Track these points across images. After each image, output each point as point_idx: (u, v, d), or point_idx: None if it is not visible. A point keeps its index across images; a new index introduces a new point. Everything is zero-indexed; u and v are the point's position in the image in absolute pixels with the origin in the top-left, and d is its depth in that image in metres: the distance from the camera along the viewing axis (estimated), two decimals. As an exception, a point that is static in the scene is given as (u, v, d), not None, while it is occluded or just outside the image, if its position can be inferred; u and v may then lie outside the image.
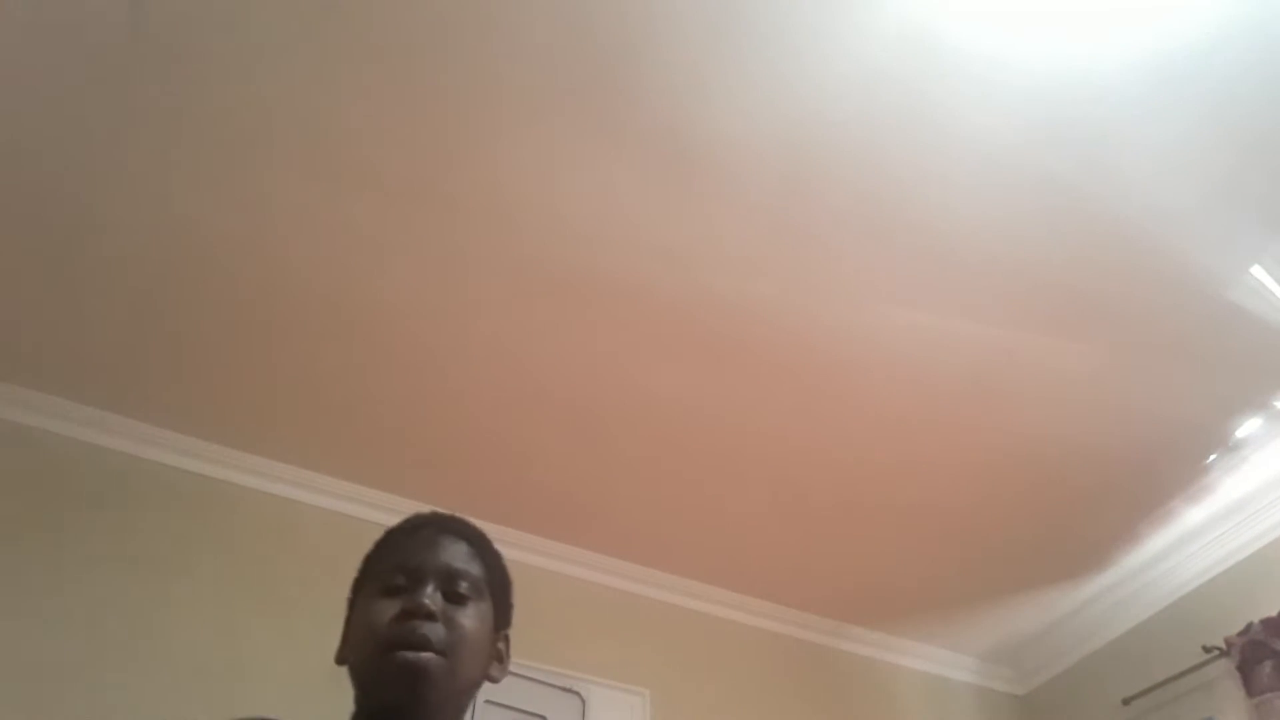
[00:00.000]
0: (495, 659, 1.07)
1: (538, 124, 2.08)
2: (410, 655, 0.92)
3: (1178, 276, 2.40)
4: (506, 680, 3.25)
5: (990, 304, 2.47)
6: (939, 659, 3.79)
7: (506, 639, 1.09)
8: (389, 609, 0.96)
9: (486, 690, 3.15)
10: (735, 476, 2.98)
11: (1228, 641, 2.96)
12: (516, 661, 3.51)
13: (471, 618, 1.00)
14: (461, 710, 1.01)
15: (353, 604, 1.05)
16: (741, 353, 2.59)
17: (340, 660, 1.02)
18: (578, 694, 2.90)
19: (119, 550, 2.51)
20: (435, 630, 0.95)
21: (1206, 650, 3.02)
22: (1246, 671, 2.87)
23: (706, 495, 3.05)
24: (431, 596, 0.97)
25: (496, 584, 1.07)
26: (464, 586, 1.01)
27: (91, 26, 1.87)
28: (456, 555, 1.04)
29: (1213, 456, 2.96)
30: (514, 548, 3.17)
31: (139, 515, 2.61)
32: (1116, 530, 3.23)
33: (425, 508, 3.59)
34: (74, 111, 2.01)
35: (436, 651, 0.94)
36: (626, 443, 2.87)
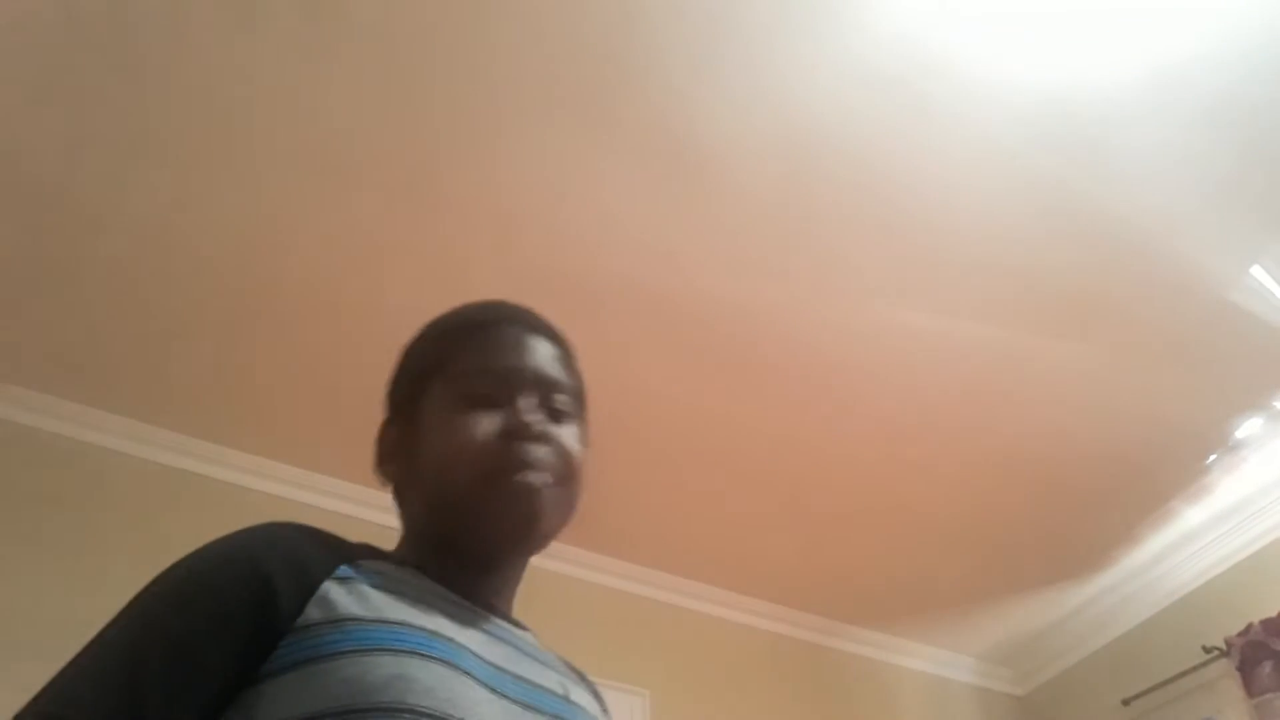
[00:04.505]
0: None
1: (537, 125, 2.08)
2: (531, 478, 0.77)
3: (1178, 277, 2.40)
4: (507, 680, 3.12)
5: (991, 305, 2.48)
6: (939, 659, 3.79)
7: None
8: (483, 424, 0.79)
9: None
10: (735, 477, 2.98)
11: (1228, 642, 2.96)
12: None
13: (574, 438, 0.85)
14: (549, 542, 0.87)
15: (409, 409, 0.85)
16: (741, 353, 2.59)
17: (394, 478, 0.85)
18: (578, 694, 2.89)
19: (116, 549, 2.51)
20: (546, 456, 0.80)
21: (1206, 650, 3.02)
22: (1246, 672, 2.87)
23: (706, 495, 3.05)
24: (537, 412, 0.81)
25: (583, 396, 0.91)
26: (563, 401, 0.85)
27: (88, 25, 1.87)
28: (553, 362, 0.87)
29: (1213, 457, 2.96)
30: (514, 548, 3.19)
31: (138, 515, 2.61)
32: (1116, 530, 3.23)
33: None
34: (71, 111, 2.01)
35: (554, 479, 0.80)
36: (626, 443, 2.86)
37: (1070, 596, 3.51)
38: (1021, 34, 1.93)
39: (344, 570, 0.70)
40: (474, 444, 0.78)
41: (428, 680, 0.64)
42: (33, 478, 2.55)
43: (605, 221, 2.27)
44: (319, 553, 0.71)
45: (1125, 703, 3.26)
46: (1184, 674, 3.10)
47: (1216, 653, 2.99)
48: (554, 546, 3.29)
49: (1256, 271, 2.41)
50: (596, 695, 0.88)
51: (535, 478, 0.78)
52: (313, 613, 0.65)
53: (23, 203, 2.18)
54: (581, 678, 0.89)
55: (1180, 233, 2.31)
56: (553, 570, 3.18)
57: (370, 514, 2.82)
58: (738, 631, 3.44)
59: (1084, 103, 2.05)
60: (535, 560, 3.37)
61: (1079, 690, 3.59)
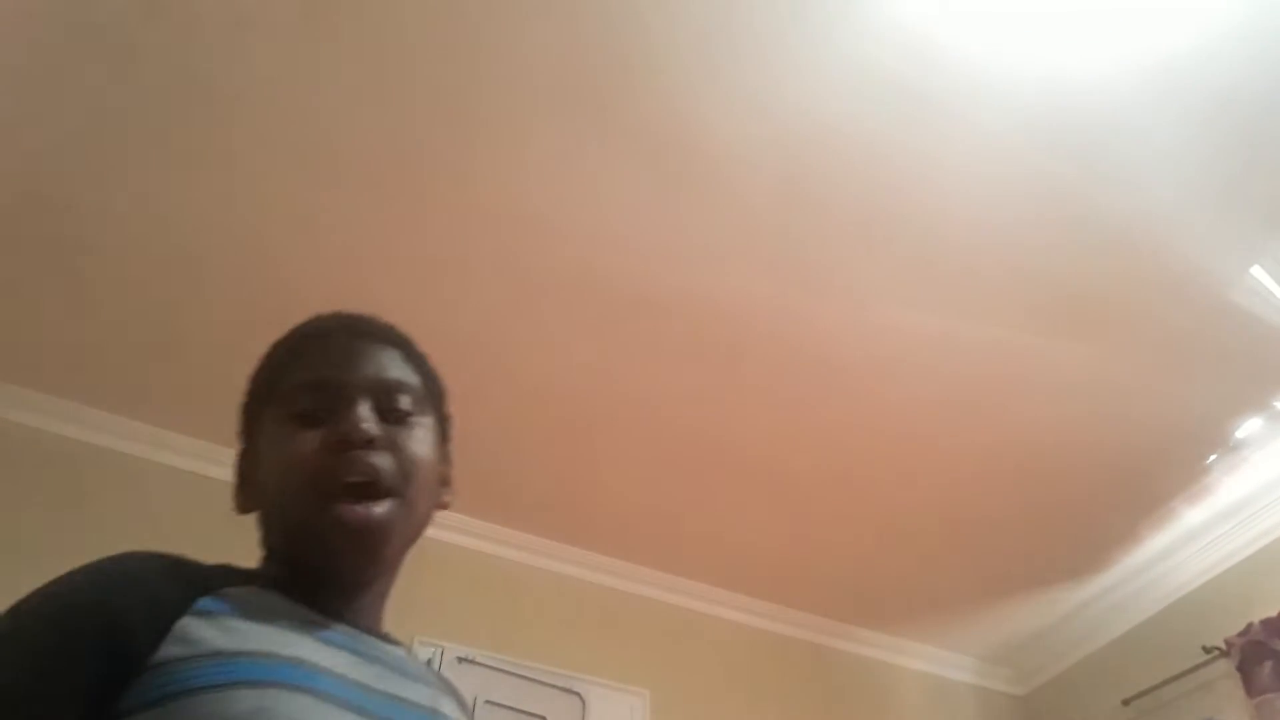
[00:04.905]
0: (444, 483, 0.89)
1: (536, 126, 2.08)
2: (359, 511, 0.75)
3: (1178, 277, 2.40)
4: (506, 680, 3.25)
5: (990, 304, 2.47)
6: (939, 659, 3.79)
7: (449, 456, 0.91)
8: (309, 440, 0.78)
9: (486, 690, 3.14)
10: (734, 476, 2.98)
11: (1228, 642, 2.96)
12: (516, 661, 3.50)
13: (420, 440, 0.83)
14: (407, 550, 0.85)
15: (249, 436, 0.86)
16: (740, 353, 2.59)
17: (243, 509, 0.85)
18: (577, 694, 2.90)
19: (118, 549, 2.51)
20: (383, 461, 0.78)
21: (1207, 651, 3.02)
22: (1246, 672, 2.87)
23: (706, 495, 3.05)
24: (368, 418, 0.79)
25: (436, 392, 0.90)
26: (405, 401, 0.83)
27: (94, 27, 1.87)
28: (388, 364, 0.85)
29: (1213, 457, 2.95)
30: (514, 548, 3.20)
31: (141, 516, 2.61)
32: (1116, 530, 3.22)
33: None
34: (74, 111, 2.01)
35: (387, 491, 0.77)
36: (626, 443, 2.86)
37: (1070, 596, 3.51)
38: (1021, 33, 1.93)
39: (204, 603, 0.69)
40: (299, 461, 0.77)
41: (289, 711, 0.64)
42: (35, 478, 2.55)
43: (605, 222, 2.27)
44: (176, 586, 0.69)
45: (1125, 703, 3.26)
46: (1184, 674, 3.09)
47: (1216, 653, 2.99)
48: (554, 546, 3.28)
49: (1256, 271, 2.41)
50: (464, 707, 0.89)
51: (368, 512, 0.76)
52: (169, 650, 0.64)
53: (26, 203, 2.19)
54: (450, 690, 0.88)
55: (1180, 232, 2.31)
56: (553, 570, 3.19)
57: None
58: (738, 631, 3.44)
59: (1084, 102, 2.04)
60: (535, 560, 3.36)
61: (1079, 690, 3.59)
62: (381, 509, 0.77)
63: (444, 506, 0.88)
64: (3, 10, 1.84)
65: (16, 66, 1.93)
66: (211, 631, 0.67)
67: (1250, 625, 2.90)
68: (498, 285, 2.41)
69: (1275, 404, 2.78)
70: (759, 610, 3.49)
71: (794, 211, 2.26)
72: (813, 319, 2.50)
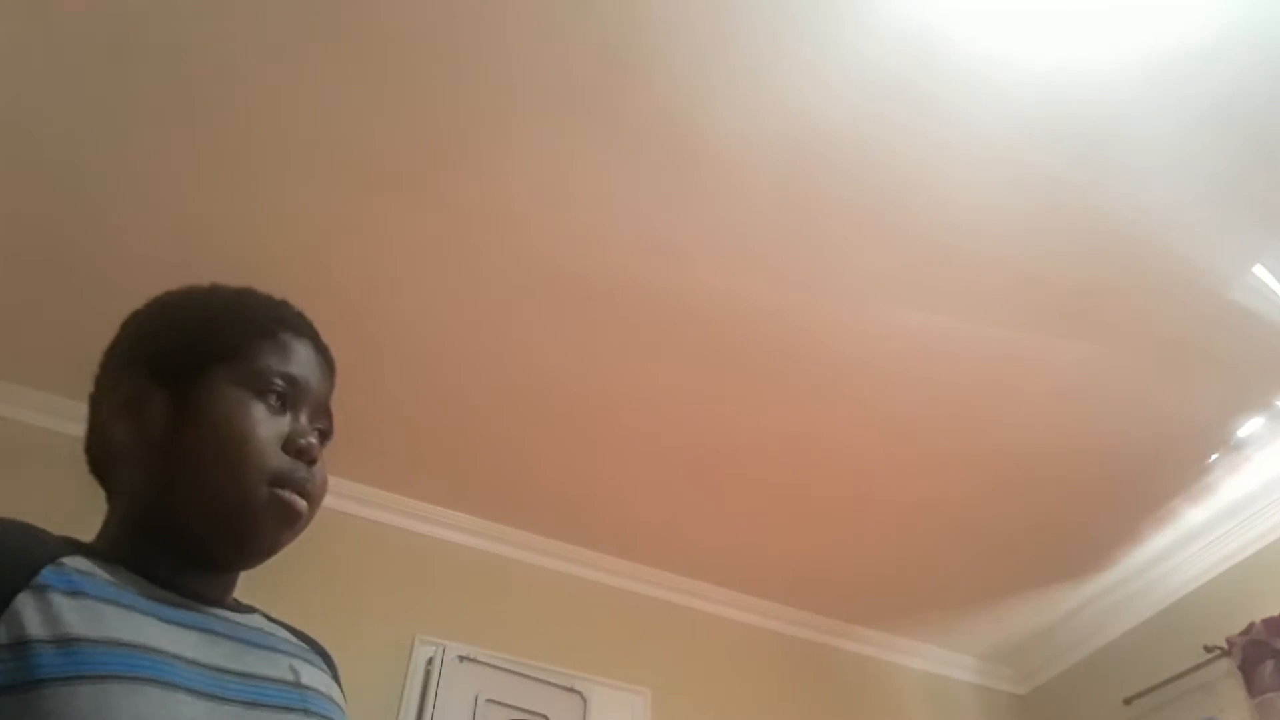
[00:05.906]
0: None
1: (542, 123, 2.08)
2: (297, 501, 0.79)
3: (1178, 276, 2.40)
4: (508, 679, 3.26)
5: (991, 303, 2.47)
6: (939, 659, 3.79)
7: None
8: (272, 425, 0.80)
9: (488, 689, 3.12)
10: (735, 476, 2.98)
11: (1229, 641, 2.96)
12: (517, 660, 3.49)
13: (324, 466, 0.86)
14: None
15: (180, 382, 0.80)
16: (741, 352, 2.59)
17: (125, 447, 0.80)
18: (579, 693, 2.90)
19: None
20: (315, 484, 0.82)
21: (1208, 650, 3.02)
22: (1248, 671, 2.87)
23: (707, 495, 3.05)
24: (313, 435, 0.84)
25: None
26: (326, 428, 0.88)
27: (104, 28, 1.87)
28: (330, 391, 0.89)
29: (1214, 456, 2.95)
30: (515, 547, 3.20)
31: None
32: (1117, 530, 3.22)
33: (427, 508, 3.54)
34: (84, 113, 2.01)
35: (311, 499, 0.81)
36: (627, 442, 2.87)
37: (1071, 596, 3.51)
38: (1022, 31, 1.93)
39: (47, 575, 0.64)
40: (259, 440, 0.78)
41: (135, 707, 0.61)
42: (40, 479, 2.55)
43: (609, 220, 2.27)
44: (19, 553, 0.65)
45: (1127, 702, 3.26)
46: (1185, 673, 3.09)
47: (1218, 652, 2.99)
48: (554, 546, 3.28)
49: (1258, 270, 2.41)
50: (328, 664, 0.88)
51: (296, 501, 0.79)
52: (3, 631, 0.60)
53: (40, 209, 2.19)
54: (313, 648, 0.87)
55: (1182, 232, 2.31)
56: (554, 570, 3.19)
57: (370, 512, 2.83)
58: (738, 630, 3.44)
59: (1085, 102, 2.04)
60: (536, 559, 3.37)
61: (1080, 689, 3.59)
62: (304, 506, 0.81)
63: None
64: (17, 17, 1.84)
65: (29, 73, 1.93)
66: (51, 613, 0.62)
67: (1252, 624, 2.90)
68: (497, 285, 2.41)
69: (1277, 403, 2.78)
70: (760, 609, 3.49)
71: (795, 211, 2.26)
72: (813, 319, 2.50)
